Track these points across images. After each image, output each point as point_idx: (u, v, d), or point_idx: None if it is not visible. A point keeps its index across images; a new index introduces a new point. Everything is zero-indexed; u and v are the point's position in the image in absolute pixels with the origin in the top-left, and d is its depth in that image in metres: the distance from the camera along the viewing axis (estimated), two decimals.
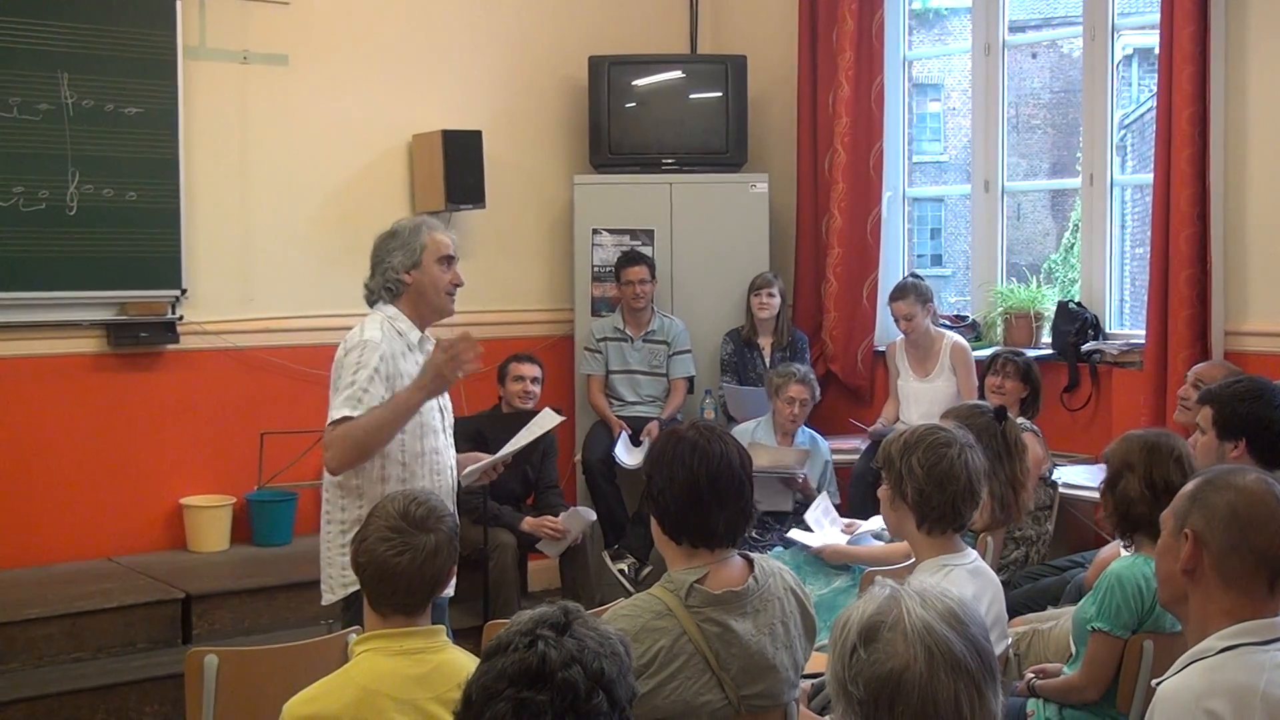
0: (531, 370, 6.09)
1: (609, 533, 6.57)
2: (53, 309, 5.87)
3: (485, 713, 1.87)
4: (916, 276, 6.42)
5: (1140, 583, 3.47)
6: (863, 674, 1.79)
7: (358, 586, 3.95)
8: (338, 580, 4.00)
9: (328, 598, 4.11)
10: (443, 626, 2.84)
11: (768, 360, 6.70)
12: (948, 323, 6.58)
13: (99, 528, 6.01)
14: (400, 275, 4.06)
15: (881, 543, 5.21)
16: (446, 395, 4.15)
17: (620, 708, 1.91)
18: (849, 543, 5.30)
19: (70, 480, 5.95)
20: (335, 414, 3.83)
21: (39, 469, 5.89)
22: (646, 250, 6.87)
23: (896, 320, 6.33)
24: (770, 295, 6.67)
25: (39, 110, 5.72)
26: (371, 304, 4.14)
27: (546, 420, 4.64)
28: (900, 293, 6.30)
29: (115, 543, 6.05)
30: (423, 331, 4.08)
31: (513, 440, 4.48)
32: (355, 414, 3.81)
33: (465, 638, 3.01)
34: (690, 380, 6.79)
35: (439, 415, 4.12)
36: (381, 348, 3.92)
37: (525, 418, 5.59)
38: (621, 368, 6.73)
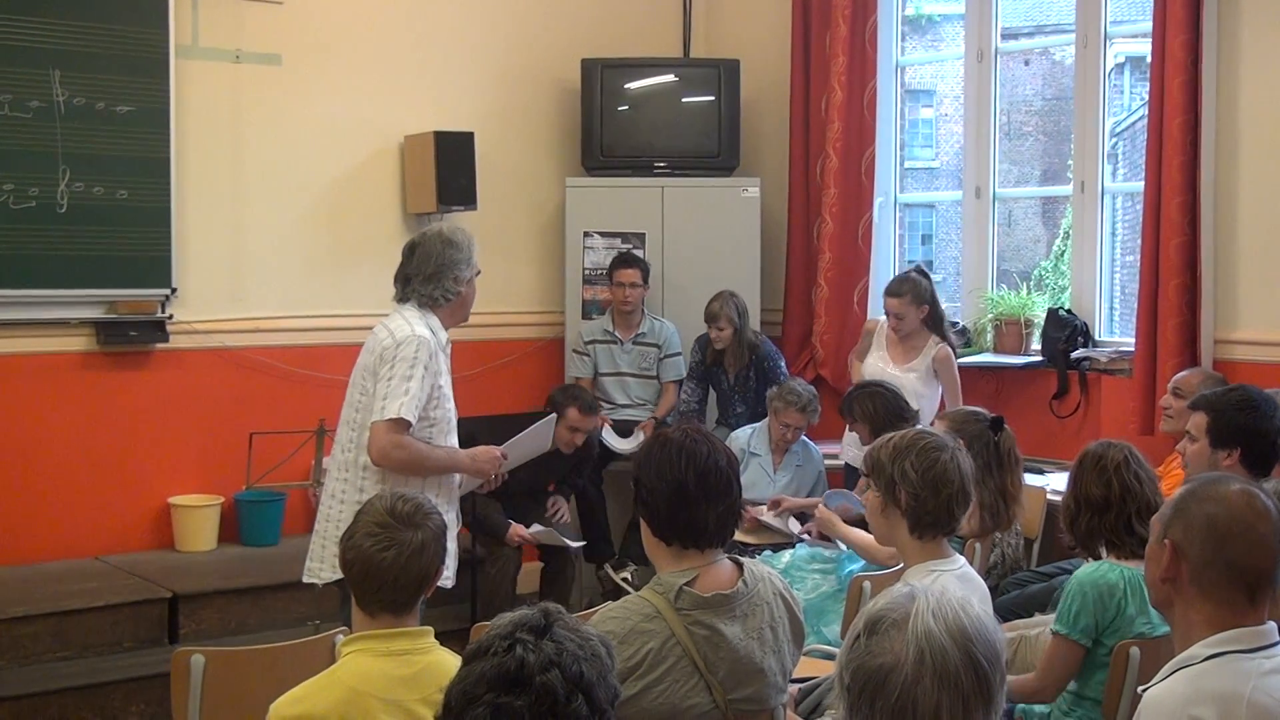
0: None
1: (594, 543, 6.50)
2: (42, 307, 5.86)
3: (464, 718, 1.86)
4: (922, 274, 6.01)
5: (1102, 589, 3.48)
6: (855, 662, 1.79)
7: None
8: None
9: (324, 575, 4.20)
10: (430, 628, 2.83)
11: (731, 379, 6.55)
12: None
13: (87, 527, 5.99)
14: (460, 287, 4.31)
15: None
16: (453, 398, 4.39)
17: (600, 710, 1.90)
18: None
19: (58, 479, 5.93)
20: (395, 412, 4.06)
21: (27, 467, 5.87)
22: (640, 253, 6.85)
23: (887, 314, 5.99)
24: (720, 329, 6.38)
25: (30, 107, 5.70)
26: (404, 303, 4.26)
27: (546, 428, 4.77)
28: (896, 290, 5.92)
29: (103, 542, 6.03)
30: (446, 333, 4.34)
31: (514, 440, 4.65)
32: (413, 420, 4.07)
33: (454, 639, 3.00)
34: (681, 383, 6.78)
35: (454, 413, 4.38)
36: (430, 344, 4.15)
37: (520, 420, 5.61)
38: (611, 370, 6.70)
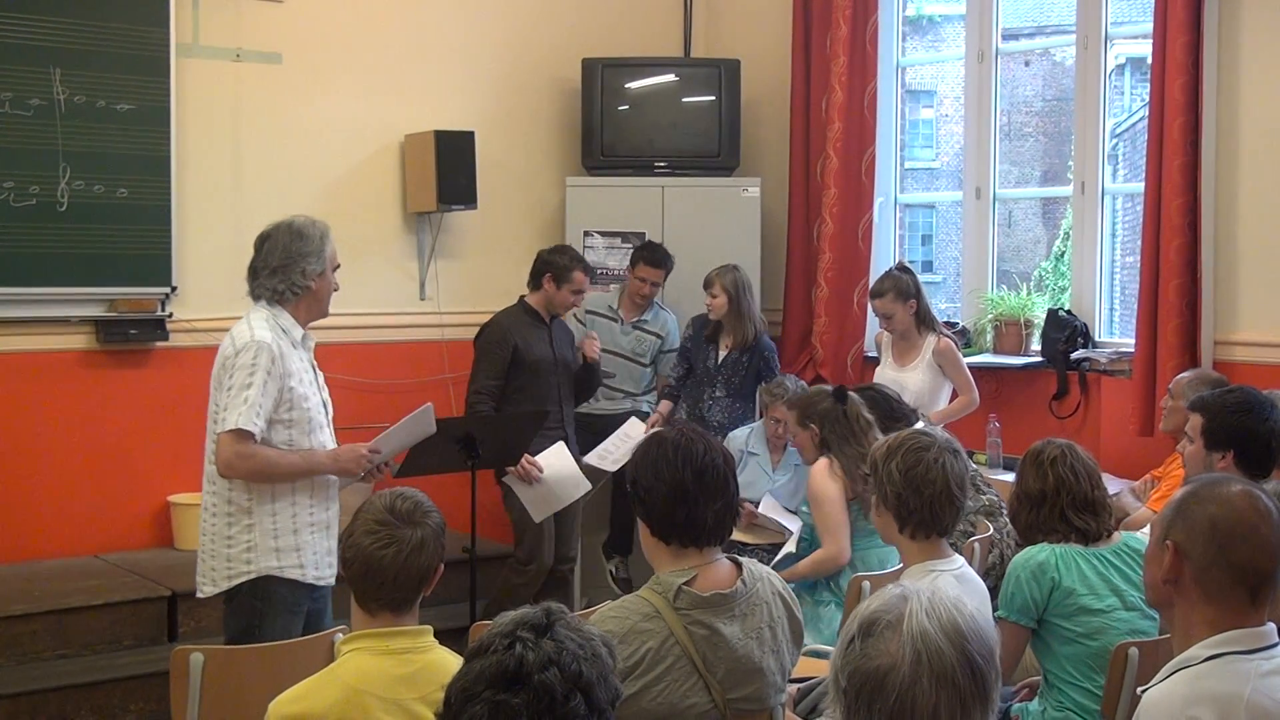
0: None
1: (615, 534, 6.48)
2: (42, 305, 5.86)
3: (462, 715, 1.86)
4: (903, 270, 6.03)
5: (1034, 568, 3.58)
6: (851, 665, 1.80)
7: (240, 580, 4.00)
8: (221, 573, 4.07)
9: (206, 590, 4.13)
10: (429, 627, 2.83)
11: (719, 358, 6.43)
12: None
13: (86, 525, 5.99)
14: (309, 281, 4.16)
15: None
16: (326, 389, 4.27)
17: (600, 710, 1.90)
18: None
19: (58, 477, 5.93)
20: (234, 423, 3.94)
21: (27, 466, 5.87)
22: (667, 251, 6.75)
23: (878, 318, 6.07)
24: (713, 296, 6.32)
25: (31, 105, 5.70)
26: (256, 300, 4.17)
27: (424, 416, 4.51)
28: (878, 290, 5.96)
29: (102, 540, 6.03)
30: (304, 329, 4.20)
31: (387, 433, 4.37)
32: (255, 429, 3.94)
33: (452, 638, 3.01)
34: None
35: (324, 410, 4.22)
36: (272, 348, 4.02)
37: (518, 419, 5.58)
38: (607, 347, 6.50)
